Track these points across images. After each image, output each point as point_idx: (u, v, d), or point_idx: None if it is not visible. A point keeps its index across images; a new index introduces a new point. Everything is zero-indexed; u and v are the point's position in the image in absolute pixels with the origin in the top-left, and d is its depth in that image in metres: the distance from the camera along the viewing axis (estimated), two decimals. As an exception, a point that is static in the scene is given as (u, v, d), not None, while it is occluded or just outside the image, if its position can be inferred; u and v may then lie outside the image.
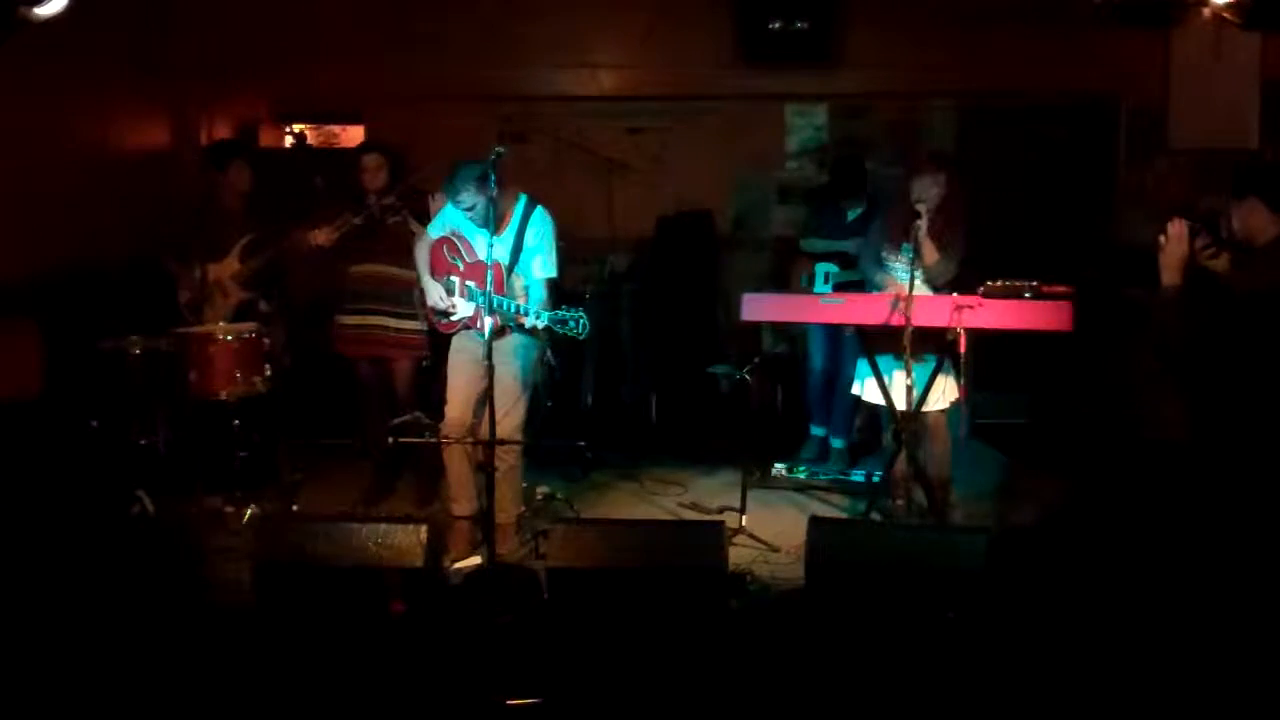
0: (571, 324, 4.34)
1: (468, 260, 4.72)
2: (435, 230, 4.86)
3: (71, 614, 3.86)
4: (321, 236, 5.37)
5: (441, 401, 4.86)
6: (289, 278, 5.87)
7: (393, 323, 5.40)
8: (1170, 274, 4.01)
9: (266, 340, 5.30)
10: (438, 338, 5.34)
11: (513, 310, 4.51)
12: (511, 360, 4.71)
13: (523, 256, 4.69)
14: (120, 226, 5.98)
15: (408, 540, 3.95)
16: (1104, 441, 6.03)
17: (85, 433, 5.16)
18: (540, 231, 4.70)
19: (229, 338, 5.15)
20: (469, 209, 4.58)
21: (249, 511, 5.09)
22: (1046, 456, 6.06)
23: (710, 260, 7.29)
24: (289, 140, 6.93)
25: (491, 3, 6.98)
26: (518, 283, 4.69)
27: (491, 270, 4.40)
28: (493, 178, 4.35)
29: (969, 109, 7.20)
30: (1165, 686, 3.45)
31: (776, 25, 6.76)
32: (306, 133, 6.82)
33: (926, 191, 4.79)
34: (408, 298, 5.37)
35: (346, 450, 5.93)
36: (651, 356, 7.11)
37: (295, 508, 5.32)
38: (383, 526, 4.00)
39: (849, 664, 3.61)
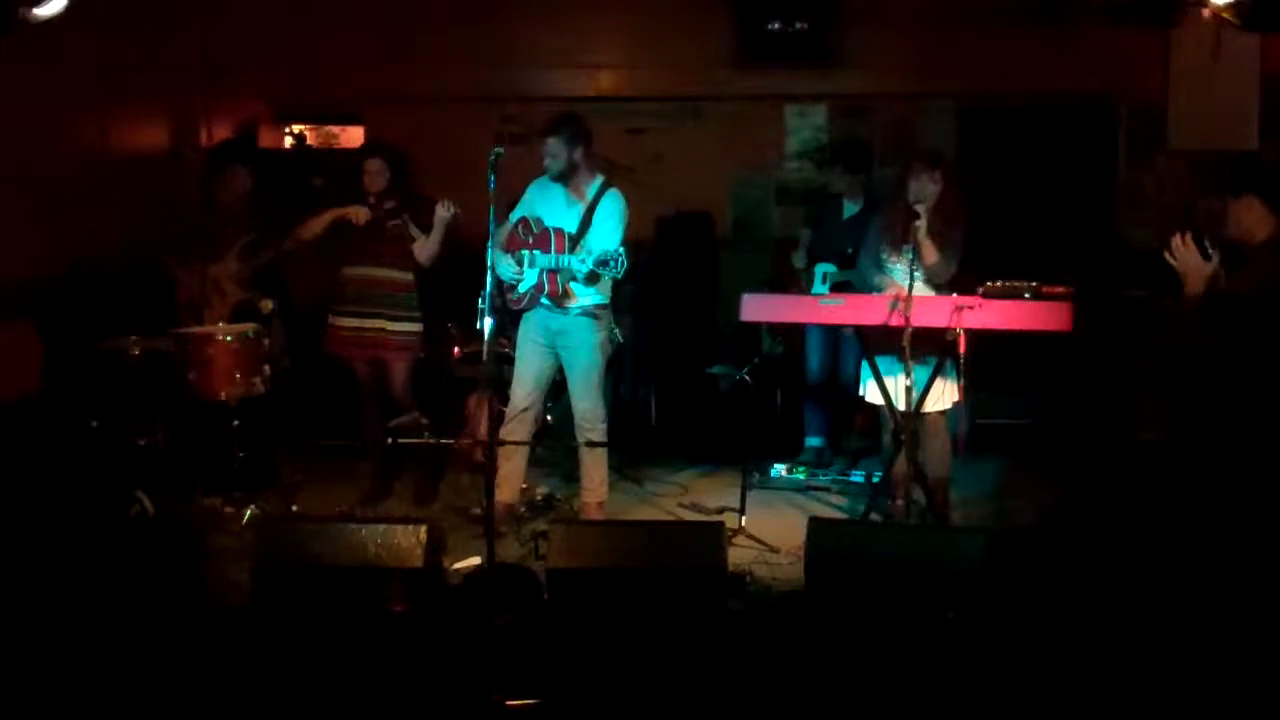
0: (612, 263, 4.62)
1: (536, 232, 4.96)
2: (516, 213, 5.08)
3: (71, 614, 3.85)
4: (308, 231, 5.36)
5: (443, 401, 4.89)
6: (289, 278, 5.86)
7: (389, 325, 5.39)
8: (1193, 284, 4.02)
9: (266, 341, 5.29)
10: (433, 339, 5.38)
11: (566, 263, 4.78)
12: (580, 344, 4.96)
13: (590, 232, 4.90)
14: (120, 226, 5.98)
15: (407, 541, 3.95)
16: (1103, 442, 6.03)
17: (85, 433, 5.15)
18: (609, 210, 4.93)
19: (229, 338, 5.14)
20: (552, 155, 4.87)
21: (249, 512, 5.09)
22: (1046, 456, 6.06)
23: (710, 261, 7.29)
24: (289, 140, 6.92)
25: (491, 3, 6.98)
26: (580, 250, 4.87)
27: (555, 235, 4.87)
28: (578, 142, 4.86)
29: (969, 109, 7.19)
30: (1165, 685, 3.45)
31: (776, 25, 6.76)
32: (306, 133, 6.81)
33: (924, 191, 4.80)
34: (405, 300, 5.38)
35: (346, 451, 5.93)
36: (651, 356, 7.10)
37: (295, 508, 5.32)
38: (382, 527, 4.01)
39: (849, 664, 3.60)
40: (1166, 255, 4.09)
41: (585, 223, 4.92)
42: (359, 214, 5.31)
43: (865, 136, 7.20)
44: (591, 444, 5.02)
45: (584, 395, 5.01)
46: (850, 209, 6.14)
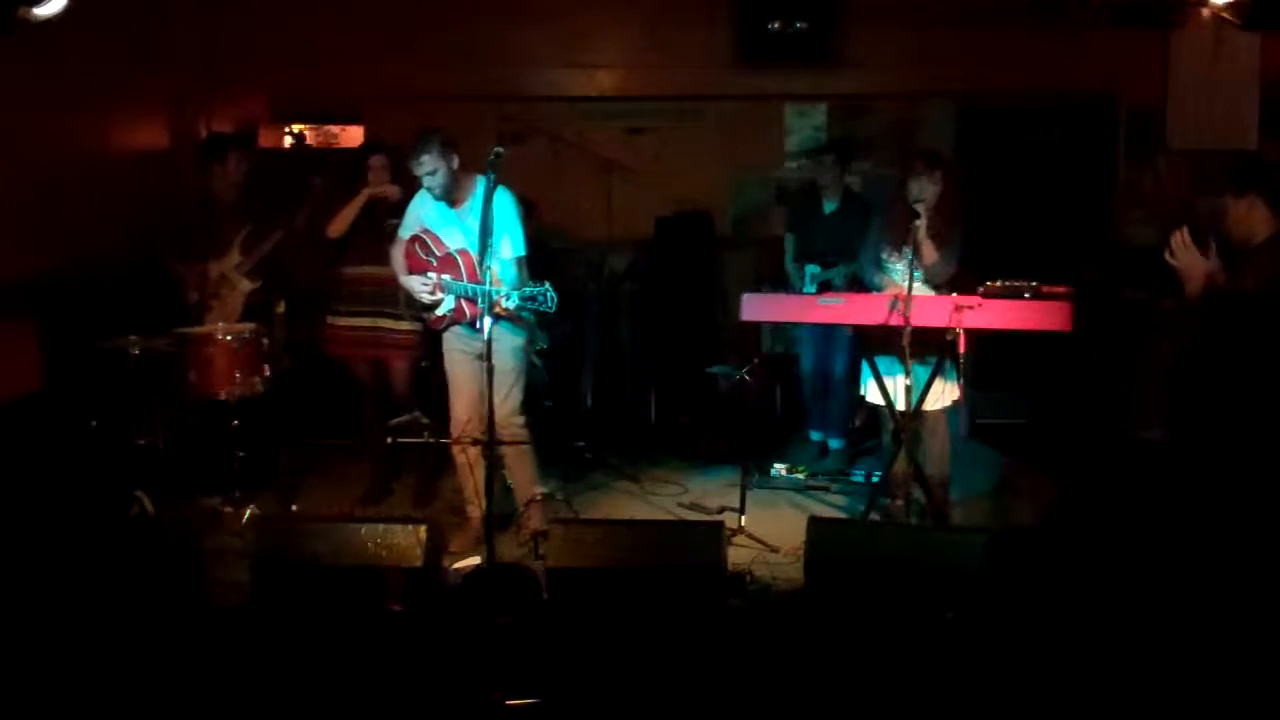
0: (540, 299, 4.28)
1: (439, 254, 4.74)
2: (405, 231, 4.87)
3: (71, 614, 3.85)
4: (342, 222, 5.34)
5: (443, 401, 4.87)
6: (291, 271, 5.84)
7: (390, 324, 5.40)
8: (1193, 283, 4.02)
9: (266, 341, 5.29)
10: (433, 338, 5.36)
11: (488, 295, 4.50)
12: (500, 349, 4.66)
13: (493, 242, 4.63)
14: (120, 226, 5.97)
15: (407, 540, 3.95)
16: (1103, 441, 6.03)
17: (85, 433, 5.15)
18: (503, 212, 4.63)
19: (229, 338, 5.14)
20: (430, 173, 4.61)
21: (248, 512, 5.09)
22: (1046, 456, 6.06)
23: (710, 260, 7.29)
24: (289, 140, 6.91)
25: (491, 3, 6.98)
26: (492, 270, 4.65)
27: (462, 259, 4.52)
28: (451, 150, 4.55)
29: (969, 109, 7.20)
30: (1164, 685, 3.45)
31: (776, 25, 6.75)
32: (306, 133, 6.80)
33: (924, 191, 4.80)
34: (405, 299, 5.37)
35: (346, 450, 5.93)
36: (651, 356, 7.10)
37: (294, 508, 5.32)
38: (382, 526, 4.01)
39: (848, 664, 3.61)
40: (1166, 256, 4.09)
41: (484, 231, 4.56)
42: (391, 191, 5.32)
43: (865, 136, 7.22)
44: (500, 442, 4.64)
45: (504, 400, 4.71)
46: (829, 206, 6.16)
